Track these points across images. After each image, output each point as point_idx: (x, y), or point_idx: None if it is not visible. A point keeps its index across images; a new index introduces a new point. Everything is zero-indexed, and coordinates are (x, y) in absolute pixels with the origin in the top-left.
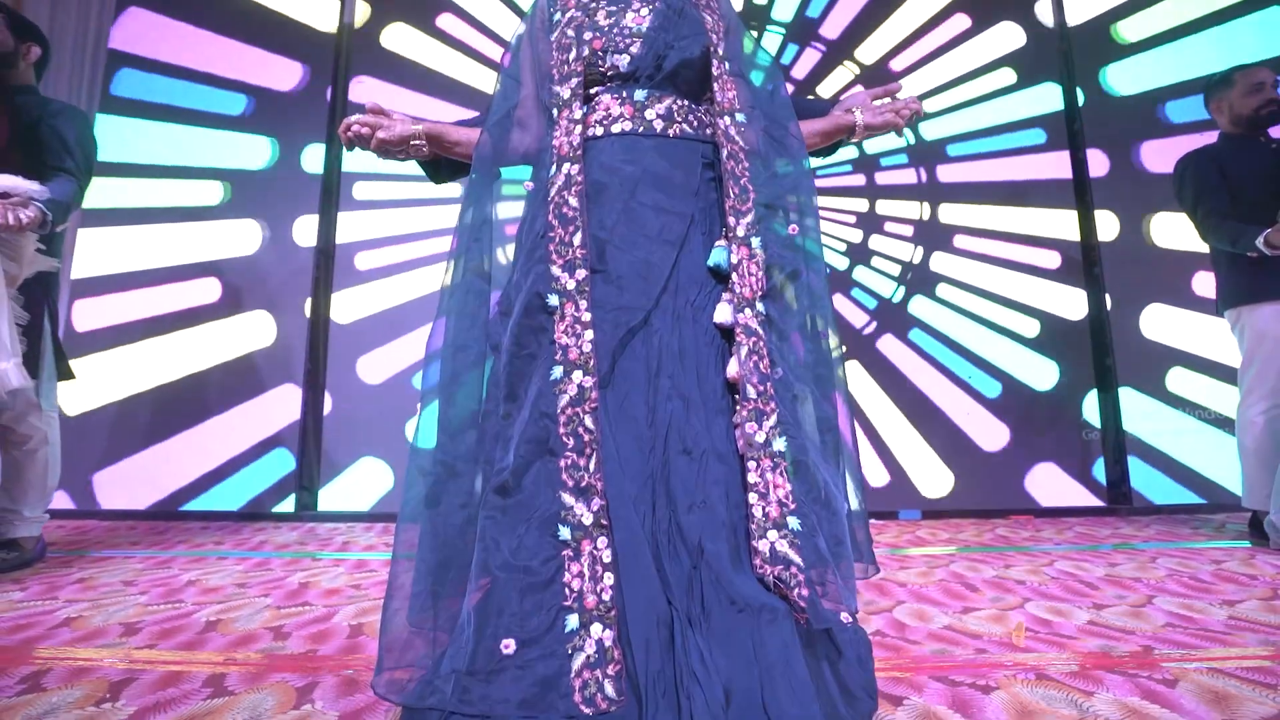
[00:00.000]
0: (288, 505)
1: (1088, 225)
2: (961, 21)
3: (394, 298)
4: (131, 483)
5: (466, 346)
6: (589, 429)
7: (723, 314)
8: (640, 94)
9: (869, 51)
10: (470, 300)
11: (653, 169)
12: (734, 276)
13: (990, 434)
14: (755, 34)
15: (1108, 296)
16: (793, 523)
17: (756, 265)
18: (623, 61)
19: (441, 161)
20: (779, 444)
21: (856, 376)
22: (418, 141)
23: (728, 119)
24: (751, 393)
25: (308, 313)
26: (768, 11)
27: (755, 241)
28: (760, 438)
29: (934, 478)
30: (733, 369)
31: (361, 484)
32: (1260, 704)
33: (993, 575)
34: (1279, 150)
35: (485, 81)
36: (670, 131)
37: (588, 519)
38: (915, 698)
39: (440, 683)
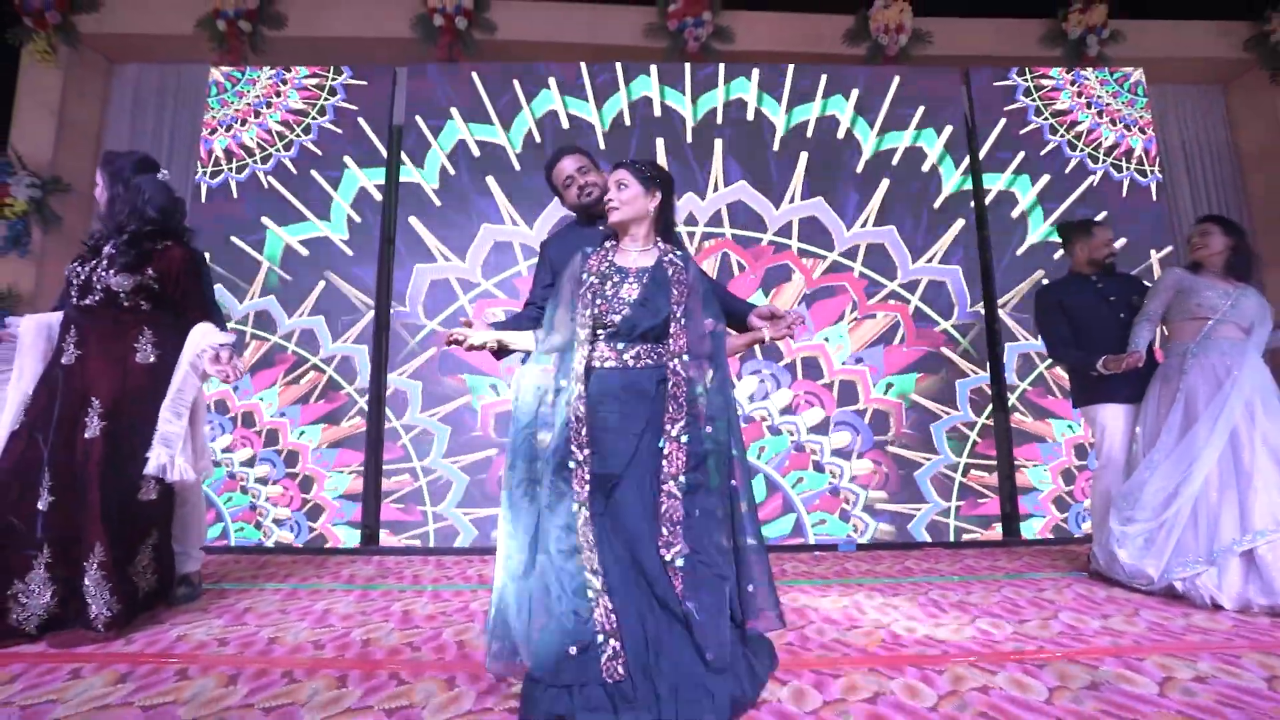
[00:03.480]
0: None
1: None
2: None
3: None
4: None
5: (533, 479)
6: (591, 540)
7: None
8: (621, 345)
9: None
10: (527, 448)
11: (627, 391)
12: (664, 462)
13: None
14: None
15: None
16: (690, 608)
17: (682, 454)
18: (614, 319)
19: (502, 349)
20: (678, 561)
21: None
22: (492, 346)
23: (676, 360)
24: (664, 532)
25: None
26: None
27: (683, 439)
28: (667, 557)
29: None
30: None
31: (411, 522)
32: (976, 682)
33: (880, 602)
34: (1104, 290)
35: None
36: (638, 365)
37: (599, 585)
38: (795, 681)
39: (535, 671)
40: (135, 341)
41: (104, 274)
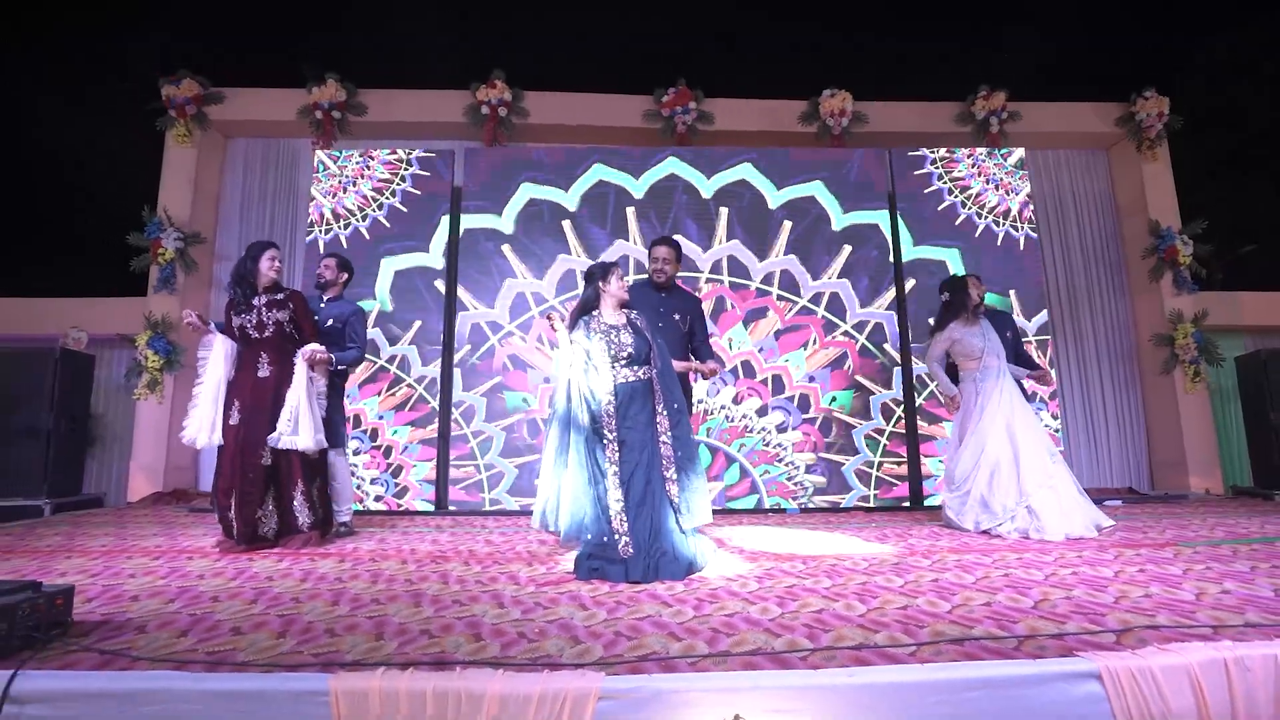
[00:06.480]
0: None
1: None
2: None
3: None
4: None
5: (590, 450)
6: (620, 480)
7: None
8: (634, 367)
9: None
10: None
11: (637, 397)
12: (658, 426)
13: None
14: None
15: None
16: (679, 502)
17: (666, 420)
18: (622, 355)
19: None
20: (674, 477)
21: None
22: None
23: (654, 371)
24: (664, 462)
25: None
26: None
27: (665, 412)
28: (668, 474)
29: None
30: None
31: (470, 491)
32: (829, 563)
33: (797, 535)
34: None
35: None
36: (643, 378)
37: (620, 505)
38: (727, 558)
39: (585, 550)
40: (291, 363)
41: (270, 313)
